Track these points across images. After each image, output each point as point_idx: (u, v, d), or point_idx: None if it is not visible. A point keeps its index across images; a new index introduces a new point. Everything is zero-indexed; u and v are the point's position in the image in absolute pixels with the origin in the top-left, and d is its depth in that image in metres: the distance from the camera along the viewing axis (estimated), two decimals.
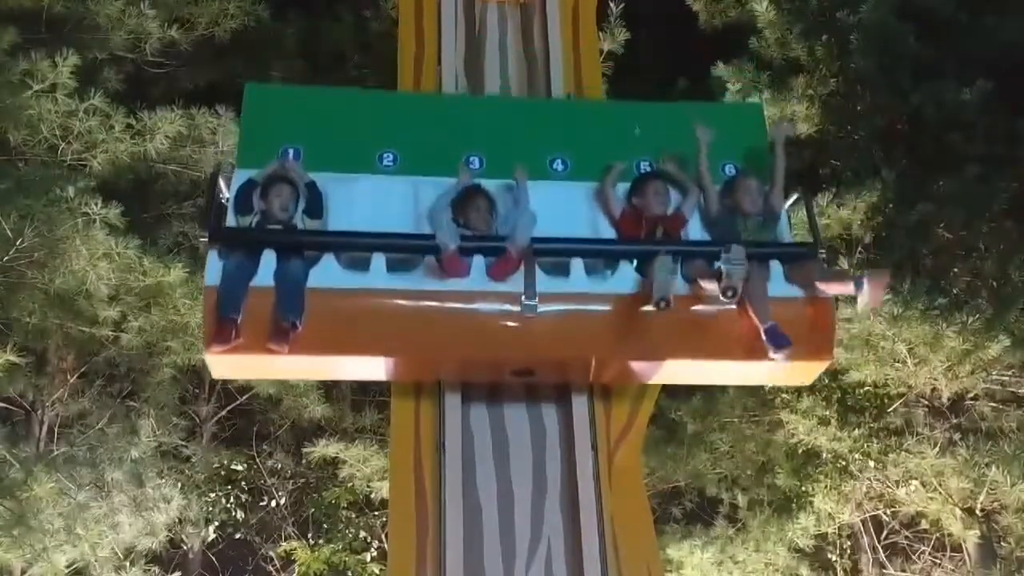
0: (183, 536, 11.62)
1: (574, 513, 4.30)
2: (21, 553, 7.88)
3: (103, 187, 8.08)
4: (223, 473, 12.31)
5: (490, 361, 4.28)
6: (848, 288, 4.05)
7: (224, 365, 4.20)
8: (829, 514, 9.39)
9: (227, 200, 4.35)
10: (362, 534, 11.85)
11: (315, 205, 4.31)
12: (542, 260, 4.16)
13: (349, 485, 11.20)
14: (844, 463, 9.19)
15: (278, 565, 12.03)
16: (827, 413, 9.03)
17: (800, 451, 9.32)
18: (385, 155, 4.52)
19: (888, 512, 9.51)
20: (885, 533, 9.73)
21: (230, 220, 4.29)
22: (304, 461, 11.82)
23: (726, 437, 9.96)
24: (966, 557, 9.12)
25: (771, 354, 4.01)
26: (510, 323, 4.07)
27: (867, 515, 9.65)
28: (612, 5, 9.20)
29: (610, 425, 4.62)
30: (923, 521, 9.02)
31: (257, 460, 12.48)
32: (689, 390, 9.74)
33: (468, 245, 4.12)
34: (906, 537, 9.64)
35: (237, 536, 12.34)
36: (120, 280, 8.22)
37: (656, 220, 4.43)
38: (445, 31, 5.36)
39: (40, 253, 7.55)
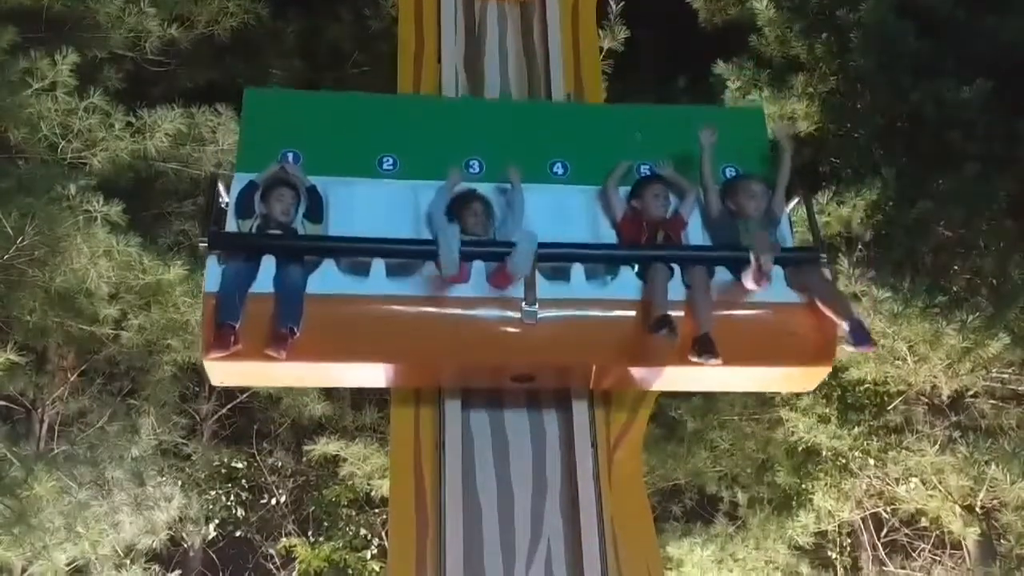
0: (183, 534, 11.63)
1: (574, 513, 4.30)
2: (21, 551, 7.89)
3: (103, 185, 8.09)
4: (223, 471, 12.32)
5: (490, 367, 4.27)
6: (841, 324, 4.05)
7: (222, 371, 4.18)
8: (829, 512, 9.39)
9: (227, 204, 4.34)
10: (362, 532, 11.86)
11: (316, 209, 4.32)
12: (542, 265, 4.13)
13: (349, 483, 11.22)
14: (844, 461, 9.20)
15: (278, 563, 12.05)
16: (827, 411, 9.03)
17: (800, 449, 9.32)
18: (385, 159, 4.52)
19: (888, 510, 9.52)
20: (885, 531, 9.74)
21: (230, 223, 4.28)
22: (304, 459, 11.83)
23: (726, 435, 9.97)
24: (966, 554, 9.13)
25: (848, 347, 4.05)
26: (510, 329, 4.04)
27: (867, 513, 9.65)
28: (612, 3, 9.19)
29: (610, 424, 4.61)
30: (923, 519, 9.03)
31: (257, 458, 12.49)
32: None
33: (468, 251, 4.07)
34: (906, 535, 9.65)
35: (237, 534, 12.34)
36: (120, 278, 8.23)
37: (657, 223, 4.42)
38: (445, 29, 5.35)
39: (41, 251, 7.55)
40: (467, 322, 4.02)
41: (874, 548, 9.80)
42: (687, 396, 9.93)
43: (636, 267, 4.22)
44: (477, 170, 4.55)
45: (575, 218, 4.47)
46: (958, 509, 8.49)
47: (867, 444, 8.96)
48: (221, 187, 4.36)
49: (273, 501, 12.49)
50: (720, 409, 9.90)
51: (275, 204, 4.24)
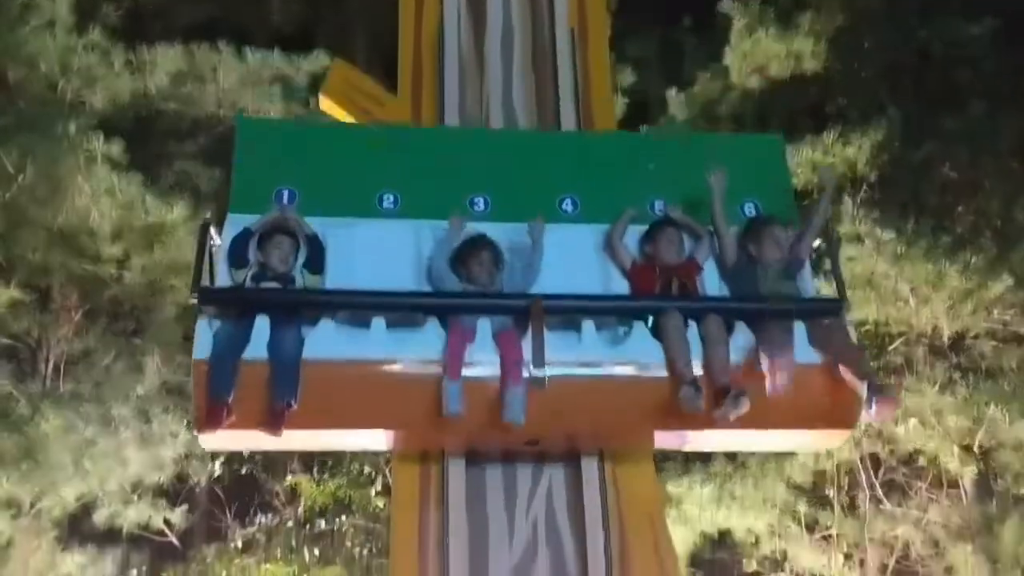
0: (190, 471, 11.77)
1: (575, 449, 4.33)
2: (30, 487, 8.01)
3: (104, 124, 8.03)
4: None
5: (499, 432, 3.95)
6: (860, 388, 3.81)
7: (215, 439, 3.92)
8: (827, 451, 9.47)
9: (218, 248, 4.05)
10: (367, 469, 11.98)
11: (316, 259, 4.01)
12: (550, 318, 3.87)
13: None
14: None
15: (284, 499, 12.19)
16: None
17: None
18: (385, 197, 4.26)
19: (886, 449, 9.60)
20: (883, 470, 9.83)
21: (223, 272, 3.99)
22: None
23: None
24: (962, 493, 9.24)
25: (869, 412, 3.80)
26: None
27: (865, 452, 9.74)
28: None
29: None
30: (921, 458, 9.11)
31: None
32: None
33: (473, 303, 3.88)
34: (903, 474, 9.73)
35: (243, 471, 12.47)
36: (122, 218, 8.22)
37: (671, 270, 4.16)
38: None
39: (42, 190, 7.53)
40: (472, 385, 3.72)
41: (871, 487, 9.89)
42: None
43: (649, 320, 3.96)
44: (482, 207, 4.29)
45: (585, 260, 4.20)
46: (956, 449, 8.57)
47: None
48: (213, 231, 4.05)
49: None
50: None
51: (272, 252, 3.96)
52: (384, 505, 11.36)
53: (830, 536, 9.89)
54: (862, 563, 9.84)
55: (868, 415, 3.84)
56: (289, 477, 12.13)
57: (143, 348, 9.41)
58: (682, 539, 9.76)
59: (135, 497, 9.26)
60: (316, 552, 11.25)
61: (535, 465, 4.32)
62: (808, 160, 8.91)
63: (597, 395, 3.87)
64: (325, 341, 3.77)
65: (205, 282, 3.96)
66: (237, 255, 3.98)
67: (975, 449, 8.57)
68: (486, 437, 4.09)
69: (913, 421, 8.84)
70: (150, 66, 8.39)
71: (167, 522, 9.92)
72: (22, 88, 8.12)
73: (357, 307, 3.89)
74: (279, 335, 3.72)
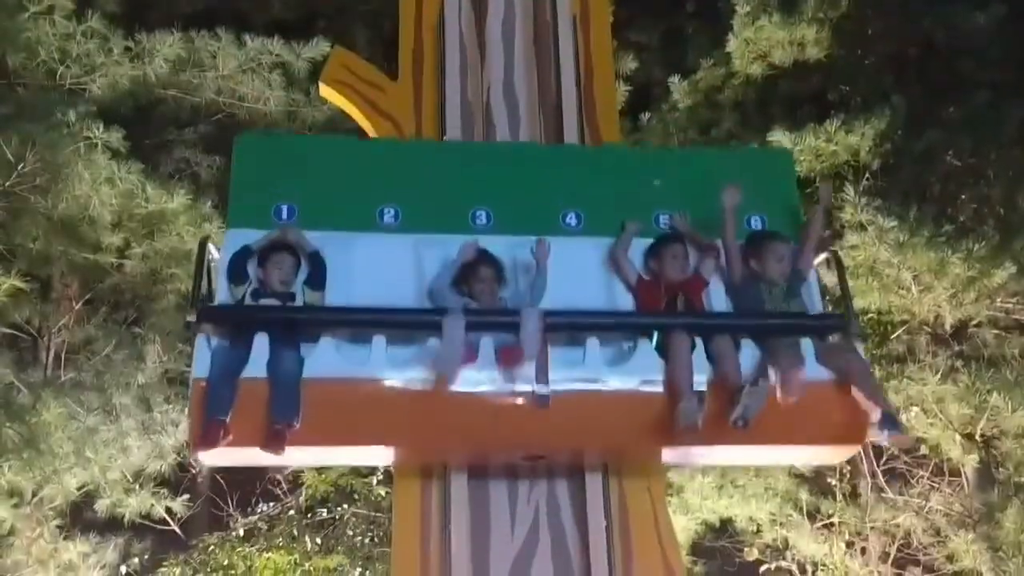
0: (191, 459, 11.78)
1: None
2: (32, 475, 8.01)
3: (103, 112, 8.01)
4: None
5: (499, 449, 4.02)
6: (871, 410, 3.80)
7: (214, 457, 3.91)
8: None
9: (217, 263, 4.05)
10: None
11: (318, 276, 4.00)
12: (554, 335, 3.85)
13: None
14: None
15: (286, 488, 12.21)
16: None
17: None
18: (386, 211, 4.23)
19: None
20: (885, 458, 9.82)
21: (222, 289, 3.99)
22: None
23: None
24: (964, 482, 9.24)
25: (877, 435, 3.83)
26: (520, 408, 3.77)
27: (867, 440, 9.71)
28: None
29: None
30: (923, 447, 9.09)
31: None
32: None
33: (474, 321, 3.81)
34: (905, 462, 9.73)
35: None
36: (123, 206, 8.21)
37: (676, 286, 4.14)
38: None
39: (42, 178, 7.51)
40: (474, 402, 3.73)
41: (873, 475, 9.89)
42: None
43: (655, 337, 3.94)
44: (485, 221, 4.27)
45: (589, 276, 4.18)
46: (958, 437, 8.56)
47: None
48: (212, 247, 4.07)
49: None
50: None
51: (273, 271, 3.95)
52: (386, 494, 11.37)
53: (832, 524, 9.89)
54: (864, 551, 9.85)
55: (881, 438, 3.84)
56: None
57: (144, 337, 9.41)
58: (683, 528, 9.77)
59: (137, 486, 9.27)
60: (318, 541, 11.27)
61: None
62: (810, 148, 8.88)
63: (601, 411, 3.85)
64: (325, 359, 3.76)
65: (203, 301, 3.96)
66: (236, 272, 3.98)
67: (977, 437, 8.55)
68: (489, 452, 4.09)
69: (915, 410, 8.83)
70: (149, 53, 8.34)
71: (169, 511, 9.93)
72: (21, 76, 8.09)
73: (358, 325, 3.87)
74: (279, 354, 3.71)
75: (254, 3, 10.67)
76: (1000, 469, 8.73)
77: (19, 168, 7.29)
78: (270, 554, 10.85)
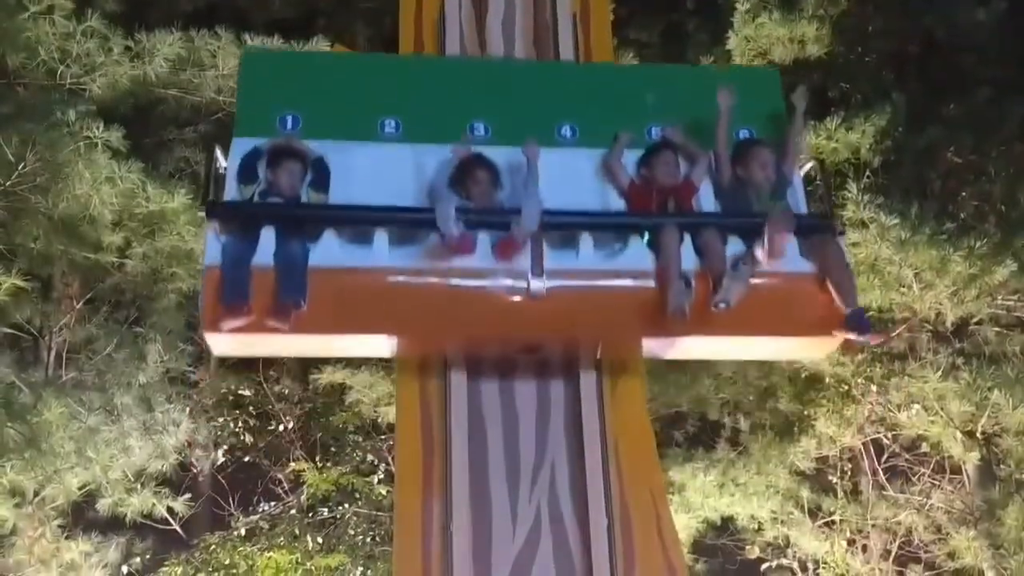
0: (193, 459, 11.80)
1: (577, 437, 4.33)
2: (33, 475, 8.01)
3: (103, 112, 7.99)
4: (231, 398, 12.43)
5: (496, 340, 4.16)
6: (843, 309, 3.96)
7: (224, 343, 4.10)
8: (830, 437, 9.48)
9: (225, 170, 4.20)
10: (369, 457, 12.00)
11: (322, 179, 4.18)
12: (549, 234, 4.01)
13: (356, 410, 11.31)
14: (846, 387, 9.25)
15: (287, 487, 12.22)
16: None
17: (803, 376, 9.37)
18: (387, 122, 4.39)
19: (889, 435, 9.60)
20: (886, 456, 9.83)
21: (231, 189, 4.16)
22: (311, 387, 11.91)
23: (729, 362, 9.99)
24: (965, 479, 9.25)
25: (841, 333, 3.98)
26: (517, 301, 3.93)
27: (868, 438, 9.74)
28: None
29: None
30: (924, 444, 9.10)
31: (264, 386, 12.59)
32: None
33: (472, 219, 3.96)
34: (906, 460, 9.74)
35: (246, 459, 12.51)
36: (123, 205, 8.19)
37: (667, 191, 4.29)
38: None
39: (42, 178, 7.50)
40: (472, 294, 3.90)
41: (874, 473, 9.89)
42: None
43: (646, 236, 4.09)
44: (482, 133, 4.41)
45: (583, 184, 4.33)
46: (959, 435, 8.56)
47: (870, 371, 9.01)
48: (219, 153, 4.23)
49: (281, 427, 12.63)
50: None
51: (283, 177, 4.12)
52: (387, 493, 11.38)
53: (833, 522, 9.90)
54: (865, 549, 9.85)
55: (842, 335, 4.00)
56: (292, 465, 12.16)
57: (145, 336, 9.40)
58: (685, 526, 9.77)
59: (138, 485, 9.27)
60: (319, 540, 11.27)
61: (538, 448, 4.32)
62: (811, 145, 8.87)
63: (593, 303, 4.02)
64: (329, 250, 3.92)
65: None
66: (247, 172, 4.16)
67: (978, 435, 8.56)
68: (486, 344, 4.24)
69: (916, 407, 8.83)
70: (149, 52, 8.32)
71: (171, 510, 9.93)
72: (21, 75, 8.08)
73: (360, 222, 4.02)
74: (285, 243, 3.88)
75: (254, 2, 10.67)
76: (1001, 466, 8.73)
77: (19, 168, 7.28)
78: (271, 553, 10.86)
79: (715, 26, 10.56)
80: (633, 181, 4.35)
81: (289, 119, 4.33)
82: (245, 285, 3.79)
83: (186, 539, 11.23)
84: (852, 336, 3.99)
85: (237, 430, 12.45)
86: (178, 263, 8.92)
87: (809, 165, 4.61)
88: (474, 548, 4.06)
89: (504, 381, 4.48)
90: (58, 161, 7.45)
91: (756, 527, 10.12)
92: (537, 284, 3.89)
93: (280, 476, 12.28)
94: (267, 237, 3.90)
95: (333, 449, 12.24)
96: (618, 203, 4.33)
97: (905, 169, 8.83)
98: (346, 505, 11.65)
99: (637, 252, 4.06)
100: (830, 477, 10.20)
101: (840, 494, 10.01)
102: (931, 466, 9.54)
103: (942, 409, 8.51)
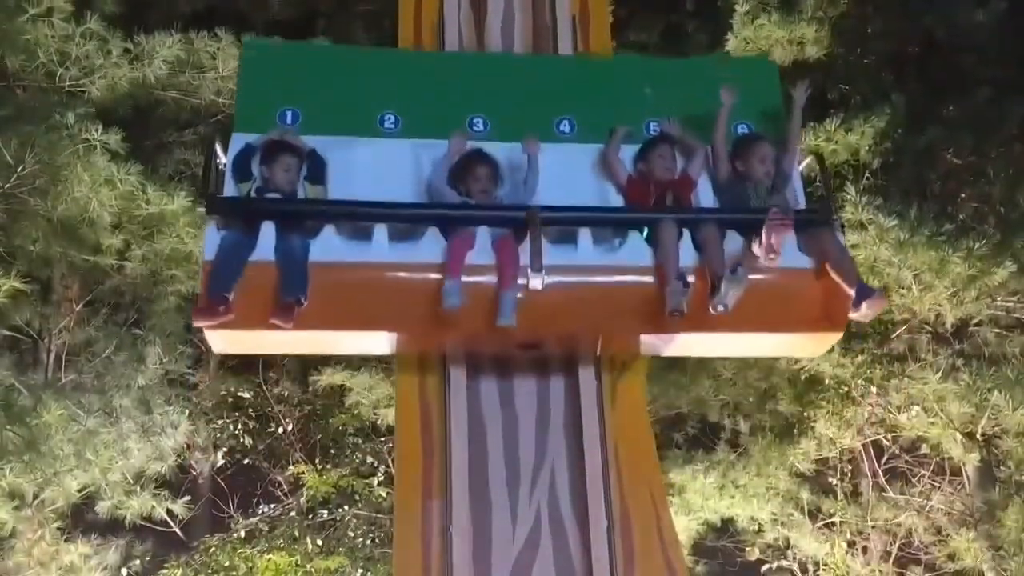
0: (192, 461, 11.80)
1: (577, 439, 4.33)
2: (33, 478, 8.01)
3: (102, 114, 7.99)
4: (230, 400, 12.42)
5: (495, 336, 4.10)
6: (848, 291, 3.95)
7: (224, 340, 4.08)
8: (830, 439, 9.47)
9: (225, 166, 4.20)
10: (369, 459, 11.99)
11: (317, 171, 4.18)
12: (548, 229, 4.00)
13: (355, 412, 11.31)
14: (846, 389, 9.25)
15: (287, 489, 12.21)
16: None
17: (803, 377, 9.36)
18: (386, 117, 4.40)
19: (889, 437, 9.59)
20: (886, 457, 9.82)
21: (228, 186, 4.16)
22: (310, 389, 11.91)
23: (729, 364, 10.00)
24: (965, 480, 9.24)
25: (855, 314, 3.96)
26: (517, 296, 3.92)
27: (868, 440, 9.73)
28: None
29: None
30: (923, 445, 9.09)
31: (264, 388, 12.58)
32: None
33: (472, 215, 4.01)
34: (906, 461, 9.73)
35: (246, 461, 12.50)
36: (122, 208, 8.19)
37: (665, 185, 4.30)
38: None
39: (42, 180, 7.50)
40: (472, 289, 3.87)
41: (874, 475, 9.89)
42: None
43: (645, 232, 4.09)
44: (481, 128, 4.42)
45: (582, 179, 4.34)
46: (959, 436, 8.55)
47: (870, 372, 9.00)
48: (219, 148, 4.22)
49: (280, 430, 12.62)
50: None
51: (279, 172, 4.11)
52: (387, 495, 11.38)
53: (833, 524, 9.90)
54: (865, 550, 9.85)
55: (857, 313, 3.96)
56: (291, 467, 12.15)
57: (144, 338, 9.40)
58: (685, 528, 9.77)
59: (138, 488, 9.26)
60: (319, 542, 11.27)
61: (538, 449, 4.31)
62: (810, 147, 8.87)
63: (592, 299, 4.02)
64: (329, 246, 3.92)
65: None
66: (241, 170, 4.15)
67: (978, 436, 8.55)
68: (485, 340, 4.23)
69: (916, 408, 8.83)
70: (148, 54, 8.32)
71: (170, 512, 9.93)
72: (20, 78, 8.08)
73: (359, 217, 4.02)
74: (286, 239, 3.87)
75: (253, 3, 10.66)
76: (1001, 468, 8.72)
77: (19, 170, 7.27)
78: (271, 555, 10.85)
79: (715, 27, 10.56)
80: (631, 176, 4.36)
81: (289, 114, 4.34)
82: (232, 278, 3.78)
83: (186, 541, 11.23)
84: (866, 306, 3.94)
85: (236, 432, 12.44)
86: (177, 265, 8.92)
87: (807, 161, 4.62)
88: (474, 550, 4.06)
89: (504, 382, 4.48)
90: (57, 163, 7.45)
91: (756, 529, 10.12)
92: (536, 280, 3.89)
93: (280, 478, 12.28)
94: (267, 233, 3.91)
95: (333, 451, 12.23)
96: (617, 200, 4.33)
97: (904, 170, 8.83)
98: (346, 507, 11.64)
99: (636, 247, 4.06)
100: (830, 479, 10.20)
101: (840, 496, 10.01)
102: (931, 468, 9.54)
103: (942, 410, 8.50)
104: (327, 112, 4.36)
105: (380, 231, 3.96)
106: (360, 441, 12.10)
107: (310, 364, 11.60)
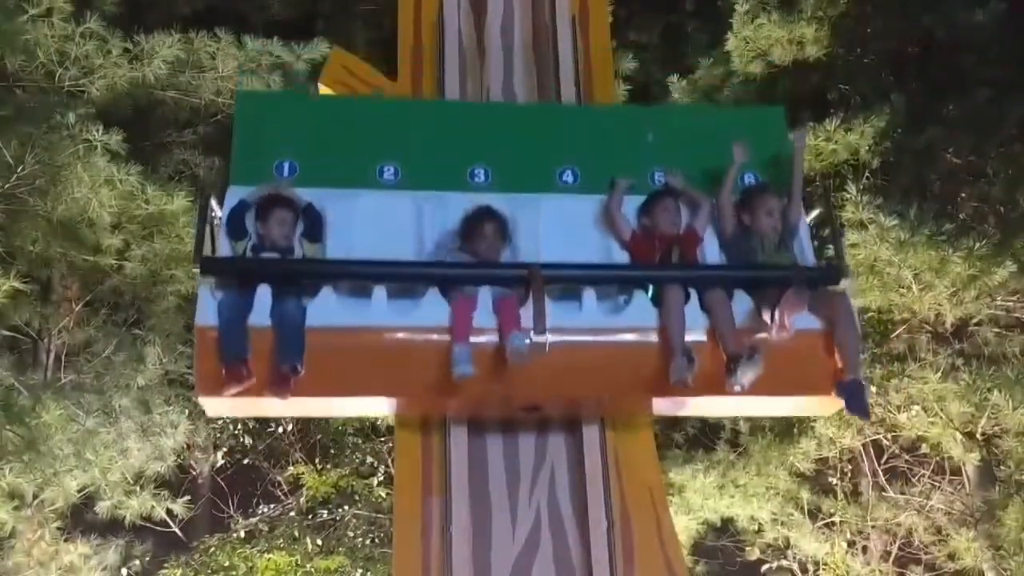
0: (192, 461, 11.79)
1: (577, 438, 4.32)
2: (32, 478, 8.00)
3: (102, 114, 7.99)
4: None
5: (497, 399, 4.06)
6: (845, 371, 3.88)
7: (219, 406, 4.00)
8: (830, 439, 9.47)
9: (220, 220, 4.09)
10: (369, 459, 11.99)
11: (314, 228, 4.08)
12: (551, 287, 3.92)
13: None
14: None
15: (287, 489, 12.21)
16: None
17: None
18: (386, 168, 4.30)
19: (889, 436, 9.59)
20: (885, 457, 9.82)
21: (223, 244, 4.05)
22: None
23: None
24: (965, 480, 9.24)
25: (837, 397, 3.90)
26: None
27: (868, 440, 9.73)
28: None
29: None
30: (923, 445, 9.09)
31: None
32: None
33: (476, 275, 3.93)
34: (906, 461, 9.73)
35: (245, 461, 12.49)
36: (122, 208, 8.18)
37: (670, 239, 4.20)
38: None
39: (41, 180, 7.50)
40: (474, 353, 3.76)
41: (874, 474, 9.89)
42: None
43: (650, 290, 4.00)
44: (483, 179, 4.33)
45: (586, 231, 4.25)
46: (959, 435, 8.55)
47: (870, 372, 8.99)
48: (214, 203, 4.10)
49: (280, 430, 12.61)
50: None
51: (275, 227, 4.01)
52: (386, 495, 11.37)
53: (833, 523, 9.89)
54: (865, 550, 9.85)
55: (837, 400, 3.91)
56: (291, 467, 12.15)
57: (144, 339, 9.38)
58: (685, 527, 9.77)
59: (137, 488, 9.25)
60: (319, 542, 11.27)
61: (537, 450, 4.31)
62: (810, 147, 8.87)
63: (596, 361, 3.91)
64: (327, 309, 3.81)
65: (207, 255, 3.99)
66: (235, 227, 4.04)
67: (978, 436, 8.55)
68: (487, 403, 4.14)
69: (916, 408, 8.82)
70: (148, 55, 8.30)
71: (170, 512, 9.91)
72: (20, 78, 8.07)
73: (359, 277, 3.93)
74: (282, 303, 3.77)
75: (253, 4, 10.65)
76: (1001, 467, 8.72)
77: (18, 170, 7.27)
78: (271, 555, 10.85)
79: (714, 27, 10.57)
80: (635, 232, 4.25)
81: (286, 166, 4.24)
82: (244, 347, 3.69)
83: (185, 541, 11.22)
84: (841, 403, 3.90)
85: (236, 432, 12.43)
86: (177, 265, 8.90)
87: (815, 213, 4.52)
88: (474, 550, 4.06)
89: None
90: (57, 164, 7.45)
91: (756, 528, 10.12)
92: (540, 340, 3.74)
93: (279, 478, 12.27)
94: (262, 294, 3.80)
95: (332, 451, 12.22)
96: (621, 255, 4.23)
97: (904, 170, 8.83)
98: (345, 507, 11.64)
99: (642, 308, 3.96)
100: (830, 478, 10.20)
101: (840, 495, 10.01)
102: (931, 467, 9.54)
103: (942, 410, 8.50)
104: (325, 164, 4.26)
105: (380, 290, 3.87)
106: (360, 441, 12.09)
107: None
